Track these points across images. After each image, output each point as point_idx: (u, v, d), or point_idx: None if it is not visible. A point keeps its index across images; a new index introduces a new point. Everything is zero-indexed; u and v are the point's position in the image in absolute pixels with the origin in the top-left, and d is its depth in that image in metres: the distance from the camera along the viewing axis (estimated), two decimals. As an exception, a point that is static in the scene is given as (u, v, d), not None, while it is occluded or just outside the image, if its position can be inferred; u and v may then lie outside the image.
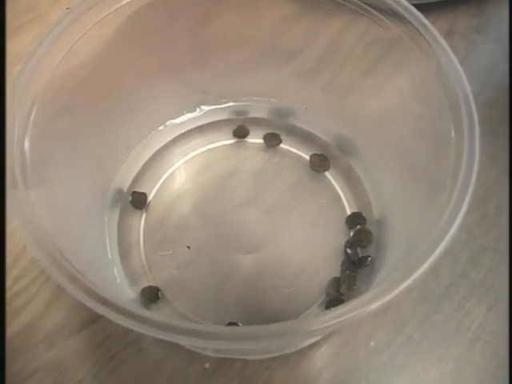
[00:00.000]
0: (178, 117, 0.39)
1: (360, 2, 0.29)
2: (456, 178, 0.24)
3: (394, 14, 0.28)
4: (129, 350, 0.33)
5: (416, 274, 0.22)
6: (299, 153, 0.39)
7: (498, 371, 0.32)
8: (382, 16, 0.29)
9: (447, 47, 0.27)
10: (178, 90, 0.38)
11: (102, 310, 0.21)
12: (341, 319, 0.21)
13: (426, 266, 0.22)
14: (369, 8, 0.29)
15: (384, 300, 0.21)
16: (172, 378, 0.32)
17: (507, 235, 0.36)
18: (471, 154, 0.24)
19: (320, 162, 0.38)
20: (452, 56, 0.27)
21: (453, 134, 0.25)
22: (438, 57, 0.27)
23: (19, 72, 0.26)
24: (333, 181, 0.37)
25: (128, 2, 0.29)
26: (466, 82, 0.26)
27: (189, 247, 0.35)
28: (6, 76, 0.29)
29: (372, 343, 0.33)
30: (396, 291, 0.21)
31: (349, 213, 0.36)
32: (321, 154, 0.38)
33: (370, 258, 0.34)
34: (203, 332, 0.21)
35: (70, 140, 0.30)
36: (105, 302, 0.21)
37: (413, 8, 0.28)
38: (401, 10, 0.28)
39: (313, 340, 0.33)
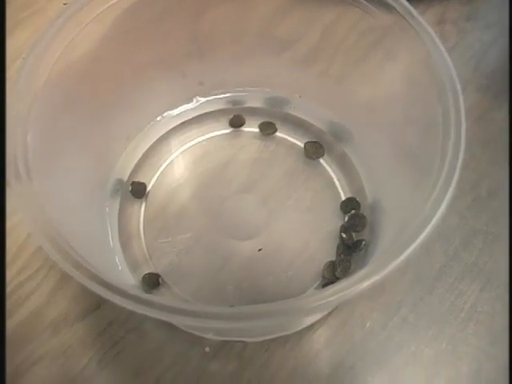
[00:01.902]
0: (175, 108, 0.40)
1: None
2: (443, 162, 0.24)
3: (383, 5, 0.29)
4: (131, 335, 0.33)
5: (406, 253, 0.22)
6: (294, 141, 0.39)
7: (491, 349, 0.33)
8: (372, 6, 0.29)
9: (435, 36, 0.27)
10: (175, 82, 0.38)
11: (106, 294, 0.22)
12: (335, 297, 0.21)
13: (415, 244, 0.22)
14: (359, -2, 0.30)
15: (377, 277, 0.22)
16: (173, 361, 0.33)
17: (498, 218, 0.37)
18: (457, 139, 0.25)
19: (314, 150, 0.38)
20: (440, 45, 0.27)
21: (440, 120, 0.26)
22: (427, 46, 0.27)
23: (20, 67, 0.27)
24: (327, 167, 0.38)
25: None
26: (453, 71, 0.26)
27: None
28: (6, 71, 0.30)
29: (368, 325, 0.34)
30: (388, 269, 0.22)
31: (343, 198, 0.37)
32: (315, 142, 0.38)
33: (364, 242, 0.34)
34: (205, 312, 0.21)
35: (71, 132, 0.31)
36: (109, 286, 0.22)
37: (402, -2, 0.28)
38: (390, 1, 0.28)
39: (310, 321, 0.33)
